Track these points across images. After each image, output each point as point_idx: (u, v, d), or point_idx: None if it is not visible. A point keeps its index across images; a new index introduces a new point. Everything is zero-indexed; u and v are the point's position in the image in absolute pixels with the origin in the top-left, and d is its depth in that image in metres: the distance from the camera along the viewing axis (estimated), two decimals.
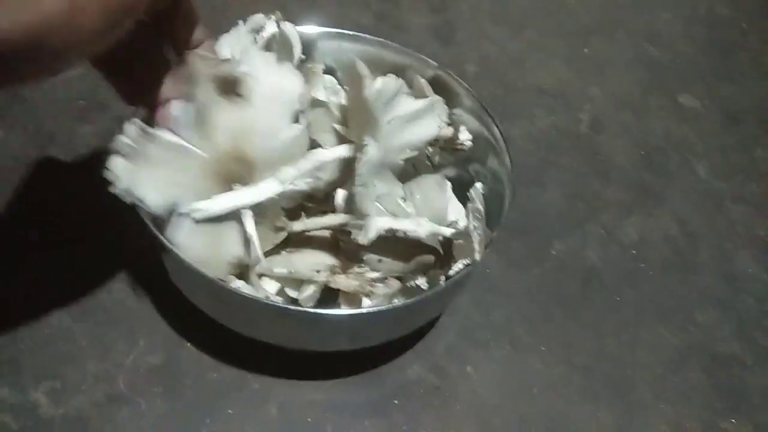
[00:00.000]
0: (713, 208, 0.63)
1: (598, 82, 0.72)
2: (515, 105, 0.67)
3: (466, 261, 0.41)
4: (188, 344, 0.44)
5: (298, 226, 0.44)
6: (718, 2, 0.90)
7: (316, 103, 0.43)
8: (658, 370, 0.50)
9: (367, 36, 0.51)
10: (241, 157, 0.38)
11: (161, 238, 0.37)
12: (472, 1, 0.77)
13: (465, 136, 0.46)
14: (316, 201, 0.45)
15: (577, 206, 0.59)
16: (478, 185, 0.44)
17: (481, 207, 0.42)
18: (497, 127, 0.47)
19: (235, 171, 0.38)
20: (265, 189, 0.39)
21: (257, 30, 0.44)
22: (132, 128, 0.35)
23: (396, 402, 0.44)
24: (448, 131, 0.46)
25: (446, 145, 0.47)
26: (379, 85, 0.39)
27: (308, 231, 0.44)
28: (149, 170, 0.36)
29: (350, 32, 0.51)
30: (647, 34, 0.81)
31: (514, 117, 0.65)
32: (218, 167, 0.37)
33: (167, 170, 0.36)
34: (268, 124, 0.38)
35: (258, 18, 0.44)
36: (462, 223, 0.43)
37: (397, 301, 0.43)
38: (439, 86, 0.50)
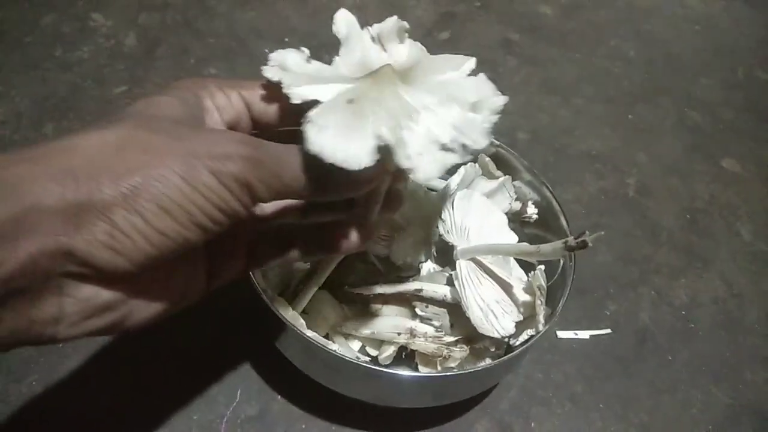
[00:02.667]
0: (758, 269, 0.66)
1: (643, 148, 0.77)
2: (566, 171, 0.71)
3: (531, 332, 0.46)
4: (279, 397, 0.48)
5: (377, 289, 0.49)
6: (756, 66, 0.94)
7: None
8: (711, 427, 0.53)
9: None
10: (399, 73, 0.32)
11: (265, 299, 0.42)
12: (522, 72, 0.83)
13: (532, 210, 0.51)
14: (396, 271, 0.50)
15: (629, 268, 0.63)
16: (541, 267, 0.48)
17: (544, 284, 0.47)
18: (555, 199, 0.52)
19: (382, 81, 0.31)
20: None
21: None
22: (294, 54, 0.33)
23: None
24: (517, 205, 0.50)
25: (515, 218, 0.52)
26: (462, 173, 0.43)
27: (386, 294, 0.49)
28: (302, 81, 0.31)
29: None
30: (688, 99, 0.85)
31: (565, 181, 0.69)
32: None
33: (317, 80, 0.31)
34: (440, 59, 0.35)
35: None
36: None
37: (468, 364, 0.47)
38: (498, 161, 0.55)
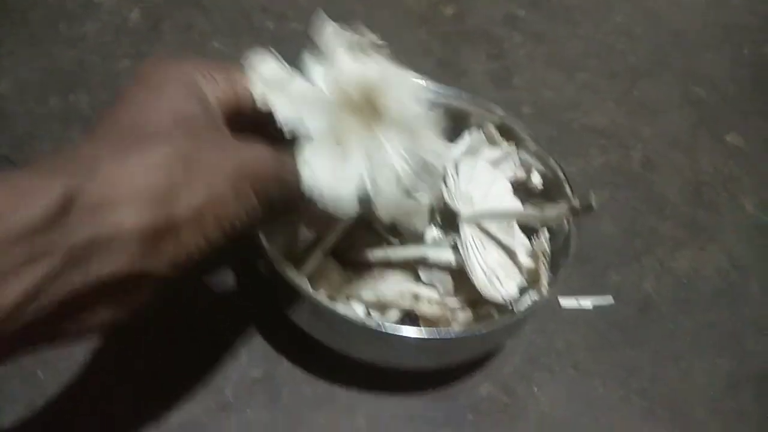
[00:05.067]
0: (761, 242, 0.66)
1: (648, 123, 0.77)
2: (571, 144, 0.72)
3: (535, 296, 0.46)
4: (284, 360, 0.49)
5: (380, 255, 0.50)
6: (763, 43, 0.93)
7: None
8: (712, 394, 0.53)
9: (440, 86, 0.57)
10: (371, 103, 0.36)
11: (271, 261, 0.42)
12: (527, 48, 0.83)
13: (537, 179, 0.51)
14: (401, 237, 0.50)
15: (632, 240, 0.63)
16: (546, 233, 0.48)
17: (548, 249, 0.47)
18: (561, 169, 0.52)
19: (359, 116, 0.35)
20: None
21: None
22: (271, 62, 0.35)
23: (470, 417, 0.49)
24: (522, 175, 0.51)
25: (519, 187, 0.52)
26: (468, 140, 0.44)
27: (391, 260, 0.49)
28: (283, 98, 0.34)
29: (425, 83, 0.57)
30: (694, 75, 0.85)
31: (570, 155, 0.70)
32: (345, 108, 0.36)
33: (299, 101, 0.35)
34: (402, 81, 0.38)
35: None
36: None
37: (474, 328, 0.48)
38: (504, 131, 0.55)
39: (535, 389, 0.51)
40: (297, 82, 0.35)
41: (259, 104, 0.34)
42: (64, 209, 0.23)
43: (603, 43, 0.87)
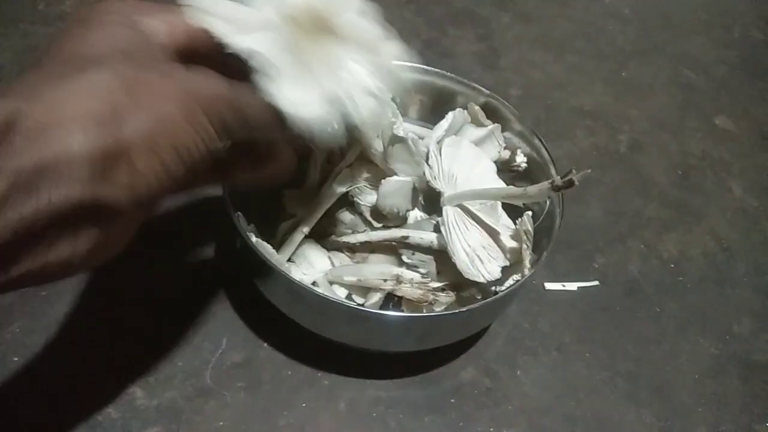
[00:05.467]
0: (748, 225, 0.66)
1: (636, 105, 0.76)
2: (558, 126, 0.71)
3: (517, 277, 0.46)
4: (265, 344, 0.48)
5: (362, 237, 0.49)
6: (752, 26, 0.93)
7: (395, 140, 0.47)
8: (697, 377, 0.53)
9: (424, 66, 0.56)
10: (323, 25, 0.34)
11: (247, 238, 0.41)
12: (515, 29, 0.82)
13: (521, 159, 0.51)
14: (383, 220, 0.49)
15: (618, 222, 0.63)
16: (529, 213, 0.48)
17: (531, 229, 0.46)
18: (546, 149, 0.51)
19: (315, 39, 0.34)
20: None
21: None
22: None
23: (452, 401, 0.48)
24: (506, 154, 0.50)
25: (504, 167, 0.51)
26: (450, 118, 0.43)
27: (372, 242, 0.49)
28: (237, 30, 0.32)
29: (408, 63, 0.55)
30: (683, 57, 0.85)
31: (557, 137, 0.69)
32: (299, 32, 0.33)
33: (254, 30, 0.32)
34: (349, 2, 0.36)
35: None
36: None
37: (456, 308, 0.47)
38: (490, 111, 0.54)
39: (519, 372, 0.51)
40: (247, 12, 0.33)
41: (216, 39, 0.31)
42: (4, 133, 0.22)
43: (592, 25, 0.86)
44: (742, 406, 0.51)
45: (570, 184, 0.37)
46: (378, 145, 0.48)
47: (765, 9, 0.97)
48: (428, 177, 0.47)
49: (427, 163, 0.47)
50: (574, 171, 0.37)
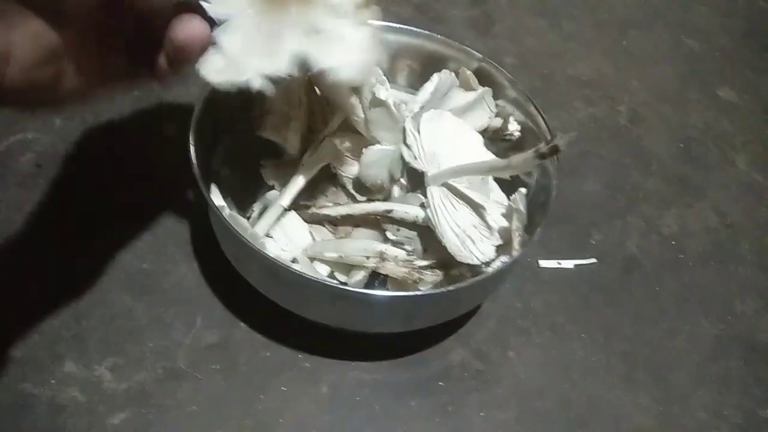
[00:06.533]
0: (753, 200, 0.63)
1: (636, 75, 0.73)
2: (555, 96, 0.68)
3: (505, 258, 0.43)
4: (242, 324, 0.45)
5: (344, 209, 0.46)
6: None
7: (375, 102, 0.44)
8: (697, 358, 0.50)
9: (412, 28, 0.52)
10: None
11: (217, 211, 0.38)
12: None
13: (513, 127, 0.47)
14: (367, 192, 0.46)
15: (616, 197, 0.60)
16: (522, 190, 0.45)
17: (523, 210, 0.43)
18: (542, 117, 0.48)
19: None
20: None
21: None
22: None
23: (441, 384, 0.45)
24: (498, 122, 0.47)
25: (495, 135, 0.48)
26: (436, 80, 0.40)
27: (354, 215, 0.46)
28: None
29: (395, 25, 0.52)
30: (686, 26, 0.81)
31: (553, 108, 0.66)
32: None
33: None
34: None
35: None
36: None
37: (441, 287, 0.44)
38: (482, 77, 0.51)
39: (511, 354, 0.48)
40: None
41: None
42: None
43: None
44: (745, 390, 0.49)
45: (555, 150, 0.35)
46: (360, 113, 0.44)
47: None
48: (407, 158, 0.43)
49: (405, 143, 0.43)
50: (559, 135, 0.34)
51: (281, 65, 0.32)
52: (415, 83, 0.54)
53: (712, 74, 0.76)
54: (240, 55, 0.32)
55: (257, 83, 0.32)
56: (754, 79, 0.76)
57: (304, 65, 0.33)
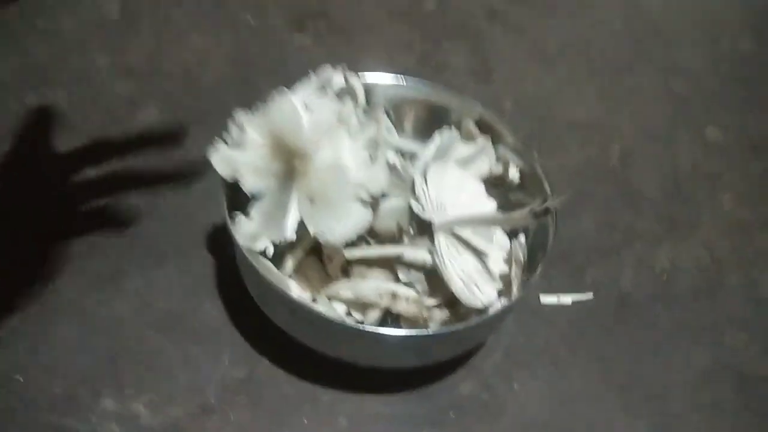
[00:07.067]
0: (740, 236, 0.67)
1: (627, 116, 0.77)
2: (550, 139, 0.72)
3: (506, 301, 0.47)
4: (265, 360, 0.49)
5: (358, 253, 0.50)
6: (741, 38, 0.94)
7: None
8: (690, 387, 0.54)
9: (418, 81, 0.57)
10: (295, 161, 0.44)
11: (248, 258, 0.42)
12: (507, 42, 0.83)
13: (513, 173, 0.52)
14: (379, 239, 0.50)
15: (611, 235, 0.64)
16: (522, 238, 0.49)
17: (522, 258, 0.48)
18: (539, 163, 0.52)
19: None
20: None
21: (327, 81, 0.50)
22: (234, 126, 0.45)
23: (451, 415, 0.49)
24: (498, 168, 0.51)
25: (496, 181, 0.53)
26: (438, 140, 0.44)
27: (368, 258, 0.49)
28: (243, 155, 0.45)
29: (403, 77, 0.57)
30: (673, 70, 0.86)
31: (550, 150, 0.70)
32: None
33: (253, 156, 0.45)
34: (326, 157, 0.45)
35: (327, 71, 0.50)
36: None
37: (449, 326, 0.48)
38: (483, 126, 0.55)
39: (516, 386, 0.51)
40: (242, 155, 0.45)
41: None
42: None
43: (583, 37, 0.87)
44: (735, 416, 0.53)
45: (547, 211, 0.41)
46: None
47: (753, 21, 0.99)
48: (416, 209, 0.47)
49: (414, 195, 0.48)
50: (551, 199, 0.39)
51: (286, 234, 0.43)
52: (422, 130, 0.58)
53: (699, 115, 0.80)
54: (258, 229, 0.44)
55: (270, 250, 0.44)
56: (738, 119, 0.81)
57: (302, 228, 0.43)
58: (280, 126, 0.45)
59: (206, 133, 0.46)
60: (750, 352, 0.57)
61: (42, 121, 0.60)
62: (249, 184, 0.45)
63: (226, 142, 0.45)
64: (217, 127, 0.44)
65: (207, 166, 0.45)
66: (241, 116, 0.45)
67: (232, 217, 0.45)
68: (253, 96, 0.66)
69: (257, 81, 0.69)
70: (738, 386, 0.55)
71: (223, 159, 0.45)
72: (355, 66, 0.52)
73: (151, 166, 0.58)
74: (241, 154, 0.45)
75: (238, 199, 0.48)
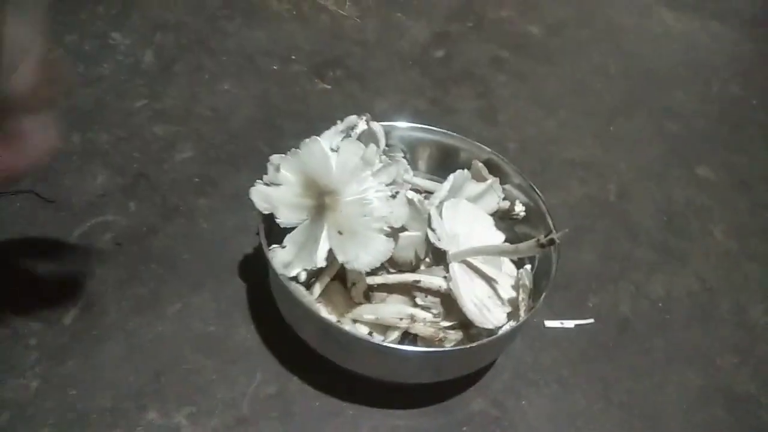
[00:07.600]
0: (730, 266, 0.72)
1: (623, 156, 0.83)
2: (553, 178, 0.77)
3: (514, 323, 0.52)
4: (295, 377, 0.54)
5: (380, 279, 0.55)
6: (730, 82, 1.01)
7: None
8: (685, 407, 0.58)
9: (432, 128, 0.62)
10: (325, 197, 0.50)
11: (284, 283, 0.47)
12: (511, 87, 0.89)
13: (519, 208, 0.57)
14: (398, 267, 0.55)
15: (609, 265, 0.69)
16: (528, 267, 0.54)
17: (528, 284, 0.53)
18: (542, 200, 0.58)
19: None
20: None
21: (351, 127, 0.55)
22: (270, 166, 0.51)
23: (464, 429, 0.53)
24: (506, 204, 0.56)
25: (504, 215, 0.58)
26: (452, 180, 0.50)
27: (388, 284, 0.55)
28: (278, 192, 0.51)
29: (420, 125, 0.62)
30: (665, 112, 0.92)
31: (552, 188, 0.75)
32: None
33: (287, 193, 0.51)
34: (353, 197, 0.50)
35: (351, 118, 0.56)
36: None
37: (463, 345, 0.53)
38: (491, 166, 0.61)
39: (524, 403, 0.56)
40: (277, 192, 0.51)
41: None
42: None
43: (581, 83, 0.94)
44: None
45: (552, 242, 0.46)
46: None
47: (741, 66, 1.06)
48: (433, 240, 0.53)
49: (430, 227, 0.53)
50: (554, 232, 0.44)
51: (318, 262, 0.48)
52: (435, 169, 0.64)
53: (690, 154, 0.86)
54: (291, 258, 0.49)
55: (302, 276, 0.49)
56: (728, 158, 0.87)
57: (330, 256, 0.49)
58: (311, 167, 0.50)
59: (237, 169, 0.52)
60: (740, 374, 0.62)
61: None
62: (284, 217, 0.50)
63: (264, 182, 0.51)
64: (247, 164, 0.49)
65: None
66: (277, 158, 0.51)
67: (268, 244, 0.50)
68: (278, 136, 0.73)
69: (282, 123, 0.75)
70: (729, 406, 0.59)
71: (261, 195, 0.50)
72: (371, 108, 0.58)
73: None
74: (276, 191, 0.50)
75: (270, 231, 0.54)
